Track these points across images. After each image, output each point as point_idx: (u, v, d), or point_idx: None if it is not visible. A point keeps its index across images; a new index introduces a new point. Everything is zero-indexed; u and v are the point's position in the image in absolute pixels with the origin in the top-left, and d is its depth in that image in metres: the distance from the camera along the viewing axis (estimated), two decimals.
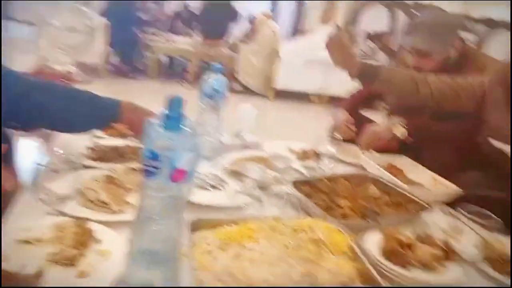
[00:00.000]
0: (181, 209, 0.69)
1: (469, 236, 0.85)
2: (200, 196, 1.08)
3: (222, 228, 0.89)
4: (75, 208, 0.93)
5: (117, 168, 1.14)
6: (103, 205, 0.95)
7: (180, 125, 0.64)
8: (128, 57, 5.51)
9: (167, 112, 0.64)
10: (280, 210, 1.04)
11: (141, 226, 0.68)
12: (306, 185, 1.22)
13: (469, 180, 1.44)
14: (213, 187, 1.16)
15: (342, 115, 1.76)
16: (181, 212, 0.70)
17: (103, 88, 4.63)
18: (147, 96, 4.81)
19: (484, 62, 1.62)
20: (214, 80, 1.34)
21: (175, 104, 0.68)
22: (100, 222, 0.88)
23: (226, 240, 0.85)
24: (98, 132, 1.50)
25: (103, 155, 1.22)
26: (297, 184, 1.20)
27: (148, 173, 0.63)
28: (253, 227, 0.89)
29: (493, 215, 0.88)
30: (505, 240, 1.07)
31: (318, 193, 1.18)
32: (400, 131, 1.57)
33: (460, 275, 0.81)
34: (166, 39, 5.97)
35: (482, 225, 0.86)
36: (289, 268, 0.77)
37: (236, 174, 1.24)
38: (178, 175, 0.63)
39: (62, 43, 3.66)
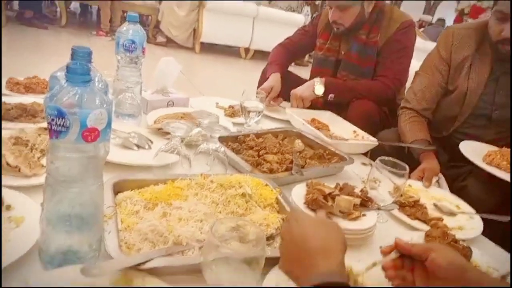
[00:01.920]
0: (98, 170, 0.65)
1: (384, 184, 0.92)
2: (124, 156, 1.03)
3: (149, 188, 0.86)
4: None
5: (26, 128, 1.03)
6: (12, 169, 0.86)
7: (86, 79, 0.57)
8: (30, 2, 4.86)
9: (70, 64, 0.57)
10: (209, 167, 1.03)
11: (55, 191, 0.62)
12: (234, 141, 1.22)
13: (385, 134, 1.56)
14: (138, 146, 1.10)
15: (273, 79, 1.77)
16: (99, 173, 0.65)
17: (4, 37, 4.08)
18: (55, 48, 4.36)
19: (396, 17, 1.70)
20: (131, 31, 1.24)
21: (80, 55, 0.61)
22: (11, 187, 0.80)
23: (153, 199, 0.82)
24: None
25: (6, 113, 1.09)
26: (225, 140, 1.19)
27: (55, 133, 0.56)
28: (181, 185, 0.88)
29: (401, 162, 0.95)
30: (413, 183, 1.20)
31: (247, 149, 1.19)
32: (318, 89, 1.62)
33: (376, 222, 0.89)
34: None
35: (394, 173, 0.93)
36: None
37: (162, 132, 1.19)
38: (90, 134, 0.57)
39: None
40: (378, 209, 0.93)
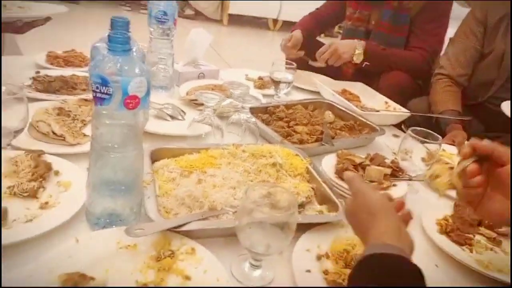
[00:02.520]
0: (138, 137, 0.68)
1: (416, 153, 0.92)
2: (159, 126, 1.07)
3: (184, 156, 0.90)
4: (28, 142, 0.89)
5: (68, 99, 1.08)
6: (57, 138, 0.91)
7: (127, 48, 0.60)
8: None
9: (112, 34, 0.59)
10: (240, 138, 1.06)
11: (99, 156, 0.66)
12: (264, 113, 1.24)
13: (415, 103, 1.53)
14: (172, 117, 1.14)
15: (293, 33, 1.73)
16: (139, 140, 0.69)
17: None
18: (91, 22, 4.44)
19: None
20: (162, 2, 1.25)
21: (119, 25, 0.63)
22: (57, 154, 0.86)
23: (188, 167, 0.86)
24: (41, 60, 1.40)
25: (48, 86, 1.14)
26: (255, 111, 1.21)
27: (99, 100, 0.59)
28: (214, 154, 0.91)
29: (434, 133, 0.94)
30: (447, 148, 1.19)
31: (277, 120, 1.21)
32: (358, 57, 1.59)
33: (407, 191, 0.89)
34: None
35: (426, 143, 0.92)
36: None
37: (194, 104, 1.22)
38: (131, 101, 0.60)
39: None
40: (409, 179, 0.93)
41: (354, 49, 1.58)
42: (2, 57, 1.46)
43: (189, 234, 0.68)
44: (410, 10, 1.62)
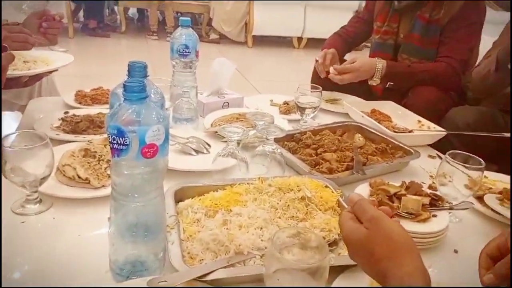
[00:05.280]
0: (159, 183, 0.66)
1: (457, 178, 0.85)
2: (183, 162, 1.05)
3: (209, 194, 0.87)
4: (56, 186, 0.89)
5: (93, 140, 1.09)
6: (83, 181, 0.91)
7: (143, 96, 0.58)
8: (94, 12, 5.18)
9: (127, 83, 0.58)
10: (266, 169, 1.02)
11: (120, 205, 0.64)
12: (291, 140, 1.20)
13: (453, 118, 1.44)
14: (196, 151, 1.12)
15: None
16: (160, 185, 0.66)
17: (73, 48, 4.38)
18: (117, 54, 4.61)
19: None
20: (184, 35, 1.25)
21: (137, 72, 0.62)
22: (82, 199, 0.86)
23: (213, 206, 0.83)
24: (69, 100, 1.43)
25: (75, 126, 1.16)
26: (281, 139, 1.17)
27: (116, 151, 0.58)
28: (239, 191, 0.88)
29: (475, 157, 0.87)
30: (489, 174, 1.09)
31: (304, 147, 1.16)
32: (381, 63, 1.53)
33: (448, 223, 0.82)
34: None
35: (467, 167, 0.85)
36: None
37: (219, 135, 1.20)
38: (149, 150, 0.58)
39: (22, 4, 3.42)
40: (451, 208, 0.86)
41: (373, 70, 1.52)
42: (40, 98, 1.52)
43: (214, 283, 0.64)
44: (440, 20, 1.55)
